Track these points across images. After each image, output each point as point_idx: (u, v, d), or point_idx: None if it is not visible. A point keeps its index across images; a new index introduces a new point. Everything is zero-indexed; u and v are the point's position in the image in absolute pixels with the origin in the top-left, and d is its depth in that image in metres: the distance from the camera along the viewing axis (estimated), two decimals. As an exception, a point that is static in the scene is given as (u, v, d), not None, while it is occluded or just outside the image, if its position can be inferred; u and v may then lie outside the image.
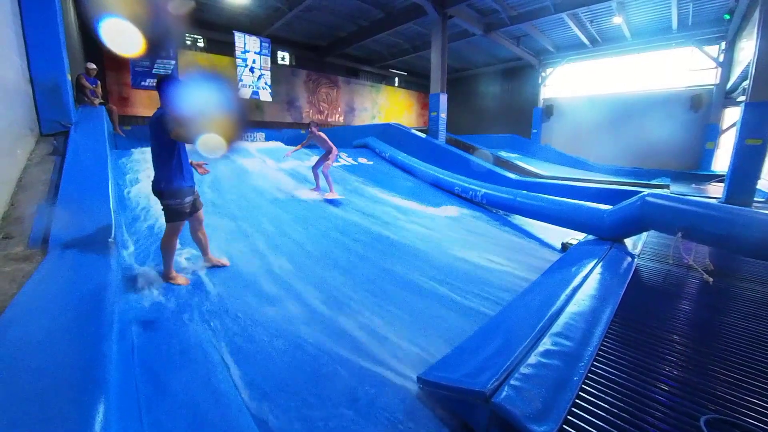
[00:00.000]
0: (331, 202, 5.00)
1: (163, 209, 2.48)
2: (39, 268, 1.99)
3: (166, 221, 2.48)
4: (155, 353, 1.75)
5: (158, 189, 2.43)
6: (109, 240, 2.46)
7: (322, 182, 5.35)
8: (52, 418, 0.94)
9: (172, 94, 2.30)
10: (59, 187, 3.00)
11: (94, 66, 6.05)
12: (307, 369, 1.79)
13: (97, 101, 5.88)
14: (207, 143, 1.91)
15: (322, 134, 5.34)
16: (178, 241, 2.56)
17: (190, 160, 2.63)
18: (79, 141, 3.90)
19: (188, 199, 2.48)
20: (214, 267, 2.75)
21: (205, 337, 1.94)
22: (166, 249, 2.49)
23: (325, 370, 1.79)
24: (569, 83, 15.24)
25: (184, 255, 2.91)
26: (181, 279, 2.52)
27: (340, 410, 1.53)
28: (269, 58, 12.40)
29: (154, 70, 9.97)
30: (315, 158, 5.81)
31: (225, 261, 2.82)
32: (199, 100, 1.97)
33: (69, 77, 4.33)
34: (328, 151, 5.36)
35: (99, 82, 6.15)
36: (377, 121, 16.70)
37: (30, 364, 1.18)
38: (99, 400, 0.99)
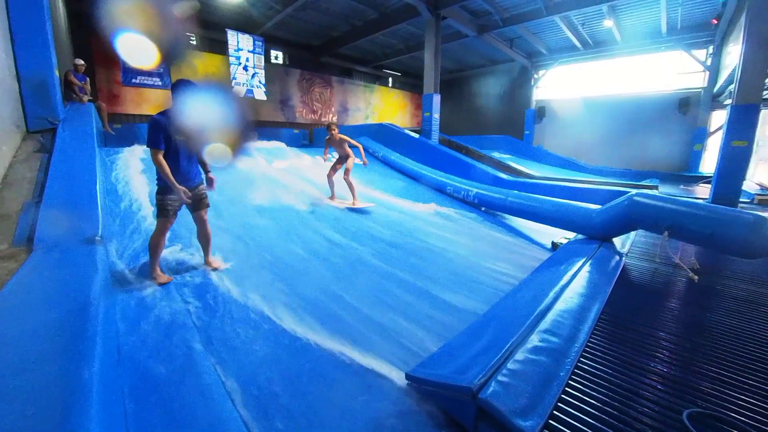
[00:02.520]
0: (356, 211, 4.58)
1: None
2: (23, 266, 1.96)
3: (155, 216, 2.51)
4: (141, 351, 1.73)
5: (157, 183, 2.51)
6: (97, 238, 2.43)
7: (338, 189, 4.91)
8: (32, 416, 0.93)
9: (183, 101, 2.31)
10: (45, 184, 2.95)
11: (83, 62, 5.96)
12: (296, 366, 1.78)
13: (85, 98, 5.79)
14: (213, 153, 1.90)
15: (343, 136, 4.82)
16: (165, 240, 2.57)
17: (209, 174, 2.69)
18: (67, 138, 3.85)
19: (174, 197, 2.46)
20: (209, 269, 2.71)
21: (193, 335, 1.92)
22: (153, 247, 2.49)
23: (312, 366, 1.78)
24: (561, 85, 15.40)
25: (173, 254, 2.89)
26: (165, 278, 2.49)
27: (328, 407, 1.53)
28: (263, 57, 12.34)
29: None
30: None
31: (219, 264, 2.77)
32: (204, 112, 1.95)
33: (57, 73, 4.26)
34: (345, 157, 4.87)
35: (88, 79, 6.05)
36: (371, 121, 16.69)
37: (11, 362, 1.16)
38: (80, 398, 0.97)
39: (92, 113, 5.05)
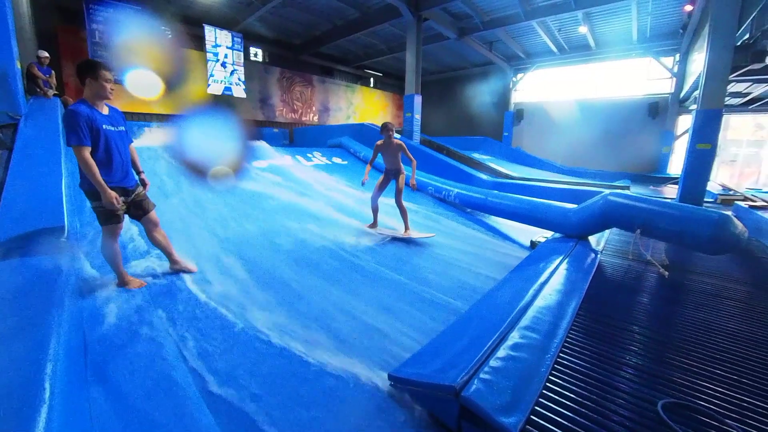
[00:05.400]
0: (412, 242, 3.73)
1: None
2: (-22, 270, 1.82)
3: (99, 224, 2.22)
4: (109, 357, 1.65)
5: (81, 188, 2.15)
6: (62, 240, 2.30)
7: (385, 216, 4.03)
8: (-16, 429, 0.85)
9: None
10: (5, 183, 2.78)
11: (47, 54, 5.66)
12: (275, 369, 1.73)
13: (50, 92, 5.50)
14: (216, 175, 1.82)
15: (401, 143, 3.76)
16: (118, 246, 2.30)
17: (141, 175, 2.43)
18: (30, 134, 3.64)
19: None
20: (181, 272, 2.59)
21: (165, 341, 1.84)
22: (107, 255, 2.25)
23: (295, 368, 1.74)
24: (539, 88, 15.83)
25: (146, 258, 2.77)
26: (136, 283, 2.35)
27: (309, 408, 1.49)
28: (242, 54, 12.08)
29: (116, 63, 9.45)
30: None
31: (192, 266, 2.64)
32: (207, 145, 1.87)
33: (18, 65, 4.02)
34: (395, 172, 3.87)
35: (53, 72, 5.75)
36: (352, 121, 16.64)
37: (-38, 372, 1.07)
38: (41, 406, 0.91)
39: (58, 108, 4.79)
